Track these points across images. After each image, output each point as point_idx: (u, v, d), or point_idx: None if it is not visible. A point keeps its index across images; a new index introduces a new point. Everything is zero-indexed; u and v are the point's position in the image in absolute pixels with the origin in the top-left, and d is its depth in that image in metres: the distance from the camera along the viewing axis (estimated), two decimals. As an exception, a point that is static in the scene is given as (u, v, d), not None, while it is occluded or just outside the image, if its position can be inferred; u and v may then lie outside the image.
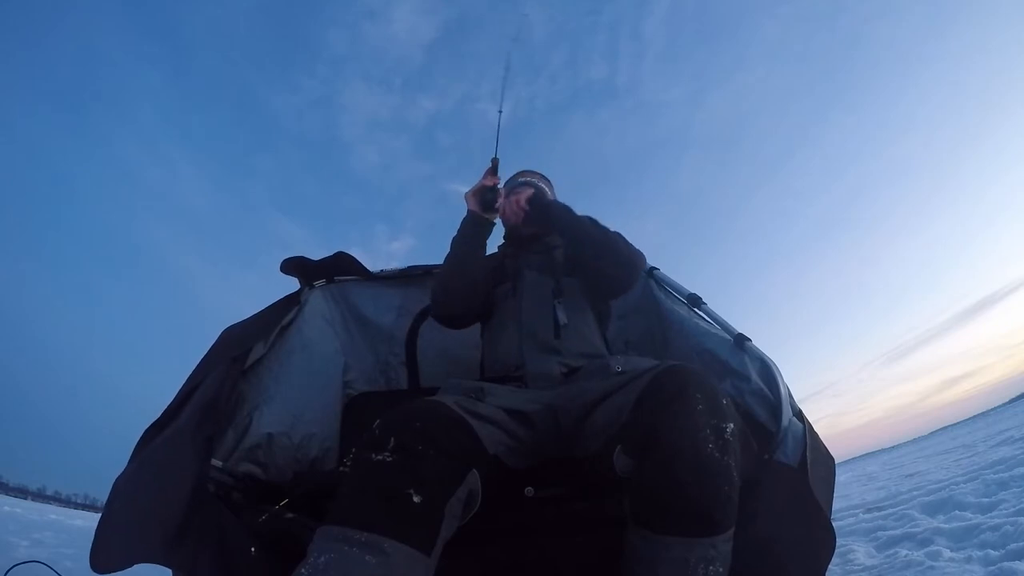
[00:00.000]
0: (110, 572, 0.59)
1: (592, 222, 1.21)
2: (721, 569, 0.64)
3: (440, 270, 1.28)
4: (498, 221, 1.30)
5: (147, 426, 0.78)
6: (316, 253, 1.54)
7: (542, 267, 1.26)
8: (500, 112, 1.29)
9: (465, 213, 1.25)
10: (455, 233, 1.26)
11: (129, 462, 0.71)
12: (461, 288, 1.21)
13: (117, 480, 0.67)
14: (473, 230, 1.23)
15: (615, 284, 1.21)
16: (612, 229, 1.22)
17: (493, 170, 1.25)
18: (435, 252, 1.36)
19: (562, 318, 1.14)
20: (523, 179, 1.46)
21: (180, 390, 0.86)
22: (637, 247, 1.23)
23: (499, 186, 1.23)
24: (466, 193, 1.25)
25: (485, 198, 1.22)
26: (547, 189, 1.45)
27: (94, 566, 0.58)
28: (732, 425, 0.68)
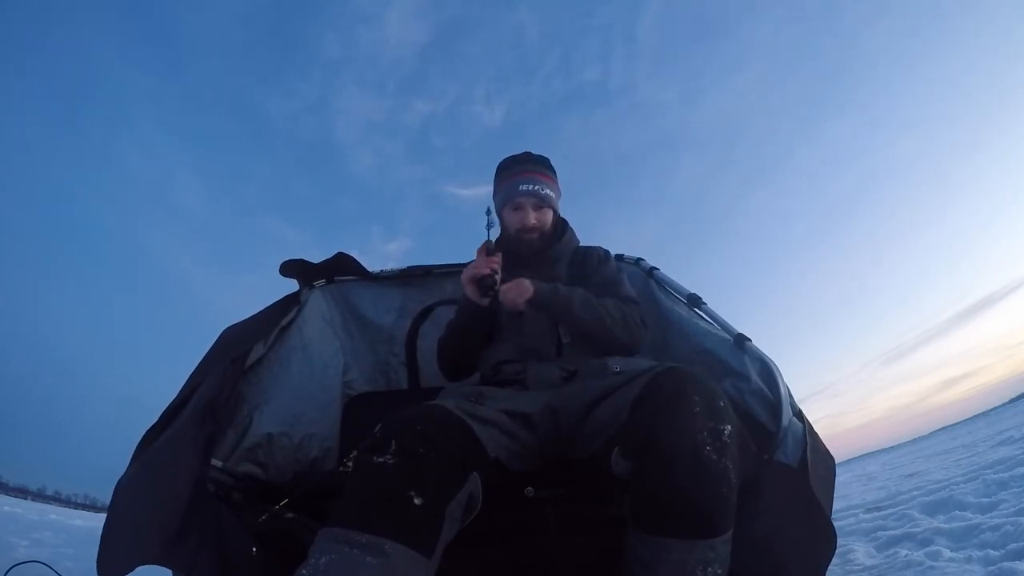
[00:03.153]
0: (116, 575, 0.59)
1: (584, 301, 1.14)
2: (720, 571, 0.64)
3: (443, 341, 1.33)
4: (496, 226, 1.27)
5: (147, 428, 0.78)
6: (313, 255, 1.54)
7: (546, 281, 1.19)
8: (488, 228, 1.22)
9: (462, 297, 1.20)
10: (453, 317, 1.32)
11: (130, 464, 0.71)
12: (460, 359, 1.30)
13: (119, 483, 0.67)
14: (471, 320, 1.22)
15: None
16: (622, 298, 1.20)
17: (488, 254, 1.17)
18: (431, 253, 1.36)
19: (565, 337, 1.14)
20: (525, 186, 1.28)
21: (180, 391, 0.86)
22: (634, 266, 1.26)
23: (497, 275, 1.14)
24: (463, 277, 1.17)
25: (483, 285, 1.15)
26: (553, 195, 1.32)
27: (102, 573, 0.59)
28: (730, 427, 0.68)
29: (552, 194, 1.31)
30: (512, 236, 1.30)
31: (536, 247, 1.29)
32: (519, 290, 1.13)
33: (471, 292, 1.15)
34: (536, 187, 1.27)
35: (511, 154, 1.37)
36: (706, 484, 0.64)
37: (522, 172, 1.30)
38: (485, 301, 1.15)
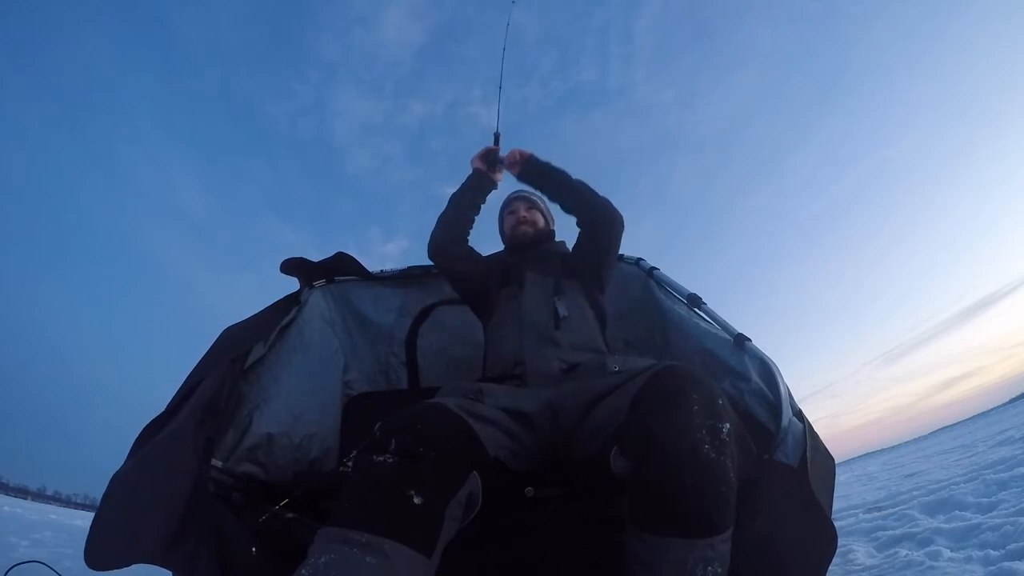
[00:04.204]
0: (107, 570, 0.58)
1: (580, 182, 1.37)
2: (720, 569, 0.64)
3: (442, 214, 1.44)
4: (498, 233, 1.53)
5: (146, 424, 0.78)
6: (312, 256, 1.54)
7: (544, 270, 1.33)
8: (500, 87, 1.58)
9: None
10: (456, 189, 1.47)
11: (127, 459, 0.71)
12: (454, 220, 1.42)
13: (115, 476, 0.67)
14: (475, 182, 1.47)
15: (598, 228, 1.34)
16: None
17: (495, 142, 1.50)
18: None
19: (562, 311, 1.19)
20: (515, 194, 1.59)
21: (179, 389, 0.86)
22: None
23: (500, 154, 1.46)
24: (472, 157, 1.50)
25: (488, 159, 1.47)
26: (541, 203, 1.57)
27: (90, 563, 0.58)
28: (728, 425, 0.68)
29: (541, 203, 1.56)
30: (509, 237, 1.52)
31: (532, 239, 1.48)
32: (521, 151, 1.43)
33: (478, 163, 1.48)
34: (525, 194, 1.57)
35: None
36: (705, 483, 0.64)
37: (514, 192, 1.61)
38: (494, 170, 1.47)
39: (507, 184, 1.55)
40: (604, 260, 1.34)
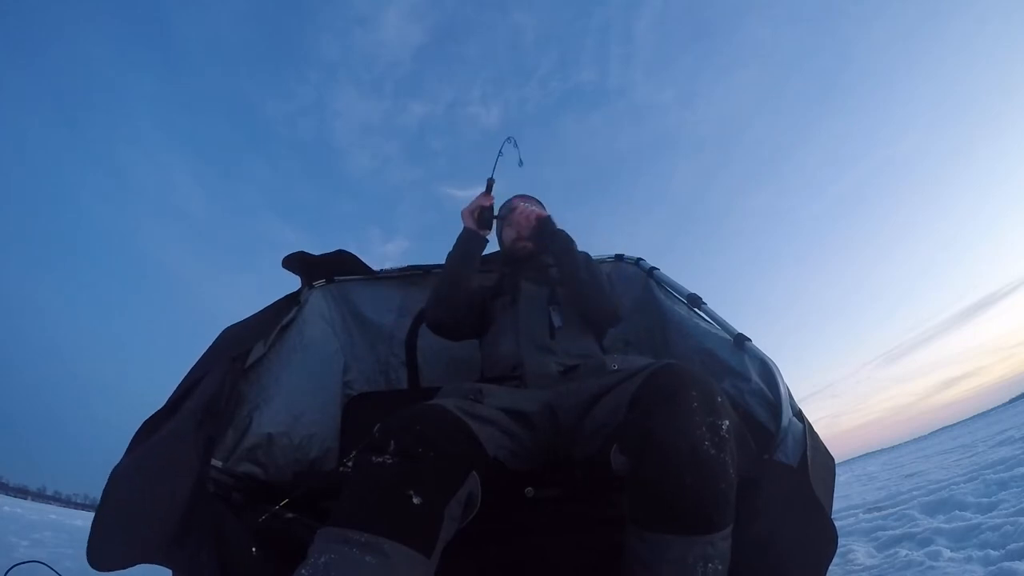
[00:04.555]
0: (110, 570, 0.59)
1: (587, 259, 1.32)
2: (720, 567, 0.64)
3: (436, 282, 1.36)
4: (493, 239, 1.41)
5: (144, 420, 0.77)
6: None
7: (539, 280, 1.34)
8: (501, 152, 1.39)
9: (461, 230, 1.33)
10: (451, 248, 1.33)
11: (125, 455, 0.71)
12: (453, 297, 1.29)
13: (113, 473, 0.67)
14: (468, 245, 1.32)
15: (593, 319, 1.28)
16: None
17: (488, 190, 1.35)
18: (428, 254, 1.43)
19: (557, 321, 1.20)
20: (518, 202, 1.52)
21: (178, 386, 0.86)
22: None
23: (493, 204, 1.34)
24: (463, 210, 1.34)
25: (482, 216, 1.32)
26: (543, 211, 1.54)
27: (92, 563, 0.58)
28: (728, 422, 0.68)
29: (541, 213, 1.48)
30: (507, 247, 1.51)
31: (529, 254, 1.45)
32: (534, 209, 1.38)
33: (469, 221, 1.33)
34: (525, 204, 1.49)
35: None
36: (705, 480, 0.64)
37: (514, 197, 1.57)
38: (485, 231, 1.33)
39: (506, 183, 1.53)
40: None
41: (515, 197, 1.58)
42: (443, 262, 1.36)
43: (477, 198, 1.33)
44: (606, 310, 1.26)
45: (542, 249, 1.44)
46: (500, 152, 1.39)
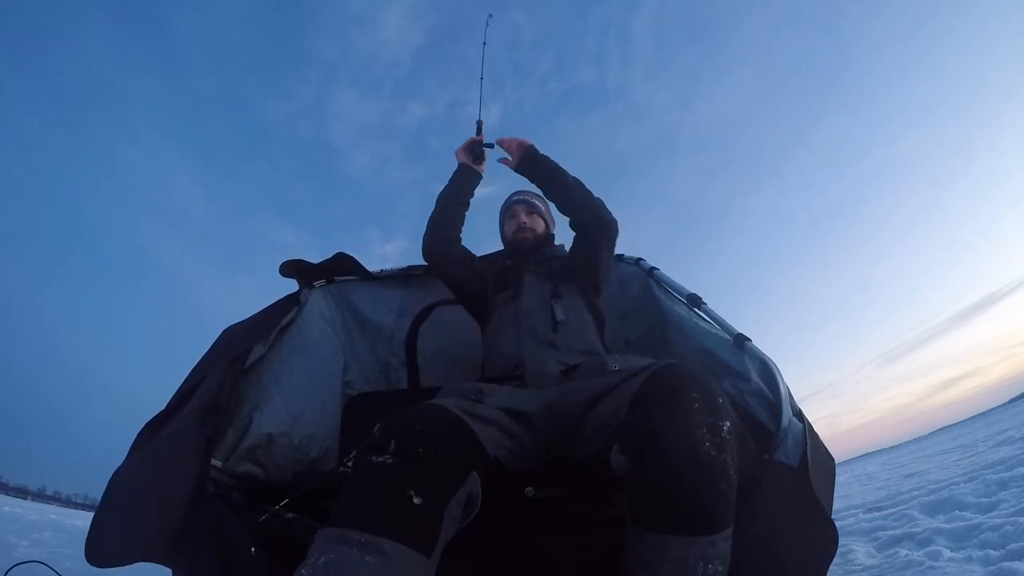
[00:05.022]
0: (108, 567, 0.59)
1: (578, 181, 1.35)
2: (720, 567, 0.64)
3: (432, 216, 1.41)
4: (498, 235, 1.51)
5: (146, 422, 0.78)
6: (312, 256, 1.55)
7: (541, 274, 1.33)
8: (482, 79, 1.56)
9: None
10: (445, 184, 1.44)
11: (127, 457, 0.71)
12: (443, 222, 1.38)
13: (115, 473, 0.67)
14: (461, 178, 1.44)
15: (589, 231, 1.32)
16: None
17: (478, 131, 1.48)
18: None
19: (559, 315, 1.19)
20: (516, 197, 1.56)
21: (179, 388, 0.86)
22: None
23: (484, 142, 1.45)
24: (456, 150, 1.48)
25: (474, 151, 1.45)
26: (542, 207, 1.55)
27: (91, 559, 0.58)
28: (729, 423, 0.68)
29: (542, 207, 1.54)
30: (509, 241, 1.52)
31: (532, 245, 1.47)
32: (520, 141, 1.37)
33: (463, 156, 1.46)
34: (526, 197, 1.54)
35: None
36: (705, 481, 0.64)
37: (515, 193, 1.59)
38: (479, 164, 1.46)
39: (506, 181, 1.55)
40: (597, 262, 1.33)
41: (514, 195, 1.58)
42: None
43: (469, 138, 1.46)
44: (604, 219, 1.30)
45: (544, 244, 1.48)
46: (484, 42, 1.57)
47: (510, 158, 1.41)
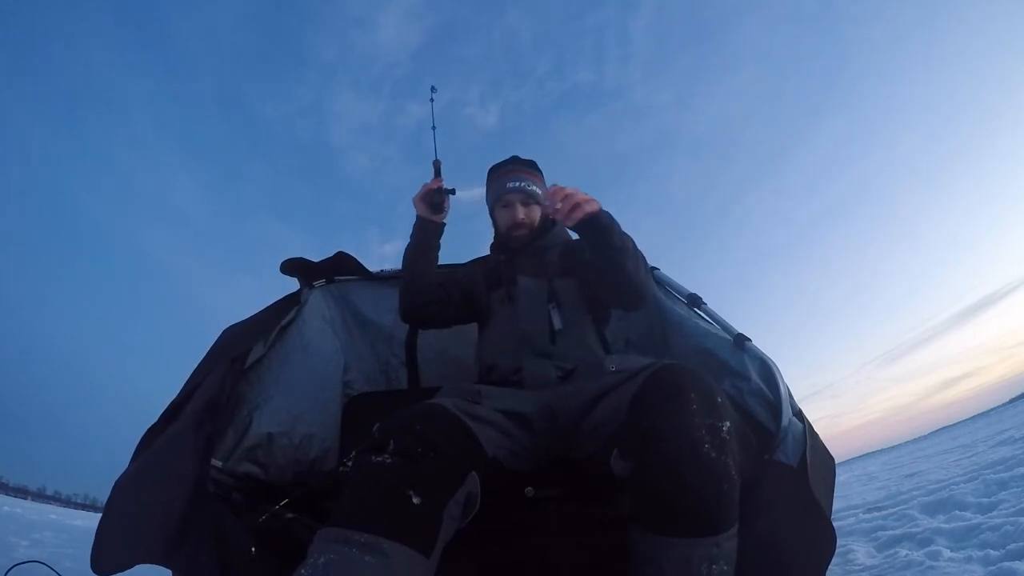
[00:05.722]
0: (111, 573, 0.59)
1: (635, 254, 1.10)
2: (726, 567, 0.64)
3: (403, 284, 1.29)
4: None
5: (148, 427, 0.78)
6: (311, 256, 1.54)
7: (536, 271, 1.23)
8: (433, 128, 1.37)
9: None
10: (408, 240, 1.29)
11: (130, 463, 0.72)
12: (415, 292, 1.25)
13: (118, 481, 0.67)
14: (423, 234, 1.28)
15: (622, 304, 1.20)
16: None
17: (436, 173, 1.31)
18: None
19: (557, 323, 1.13)
20: (512, 184, 1.30)
21: (180, 391, 0.86)
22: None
23: (444, 187, 1.28)
24: (413, 198, 1.30)
25: (432, 201, 1.27)
26: (539, 190, 1.33)
27: (95, 568, 0.58)
28: (728, 423, 0.68)
29: (539, 191, 1.32)
30: (503, 233, 1.34)
31: (526, 241, 1.30)
32: (585, 199, 1.01)
33: (421, 209, 1.28)
34: (523, 184, 1.31)
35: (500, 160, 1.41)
36: (706, 481, 0.64)
37: (510, 172, 1.34)
38: (440, 215, 1.28)
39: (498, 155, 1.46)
40: (605, 305, 1.25)
41: (511, 170, 1.33)
42: (441, 263, 1.32)
43: (425, 184, 1.28)
44: (643, 301, 1.14)
45: (539, 235, 1.30)
46: (431, 98, 1.39)
47: (556, 207, 1.02)
